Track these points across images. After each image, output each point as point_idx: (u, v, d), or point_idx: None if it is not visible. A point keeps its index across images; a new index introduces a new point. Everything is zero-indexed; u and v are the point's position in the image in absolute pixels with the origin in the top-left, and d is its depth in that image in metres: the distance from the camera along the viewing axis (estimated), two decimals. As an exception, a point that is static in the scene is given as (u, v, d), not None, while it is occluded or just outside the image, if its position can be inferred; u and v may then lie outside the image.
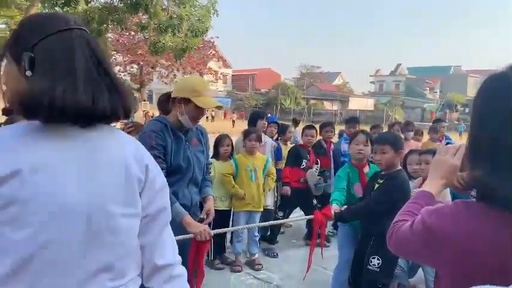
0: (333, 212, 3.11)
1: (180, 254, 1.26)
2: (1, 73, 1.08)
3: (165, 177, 2.44)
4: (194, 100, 2.45)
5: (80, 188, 1.00)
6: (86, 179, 1.01)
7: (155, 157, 2.40)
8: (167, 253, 1.19)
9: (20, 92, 0.97)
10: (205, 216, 2.73)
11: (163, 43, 11.04)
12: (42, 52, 1.01)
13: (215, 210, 4.38)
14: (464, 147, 1.17)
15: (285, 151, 5.55)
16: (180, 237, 2.41)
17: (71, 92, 0.98)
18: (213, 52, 38.95)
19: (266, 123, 5.19)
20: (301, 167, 5.16)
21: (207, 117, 33.95)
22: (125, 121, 3.71)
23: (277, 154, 5.35)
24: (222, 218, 4.45)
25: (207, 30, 10.86)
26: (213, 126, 24.13)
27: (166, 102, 2.69)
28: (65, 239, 0.97)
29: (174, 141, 2.52)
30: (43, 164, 0.96)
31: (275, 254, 4.98)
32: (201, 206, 2.85)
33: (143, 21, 12.23)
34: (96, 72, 1.05)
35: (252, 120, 5.12)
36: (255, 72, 58.20)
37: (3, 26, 11.87)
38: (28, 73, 0.98)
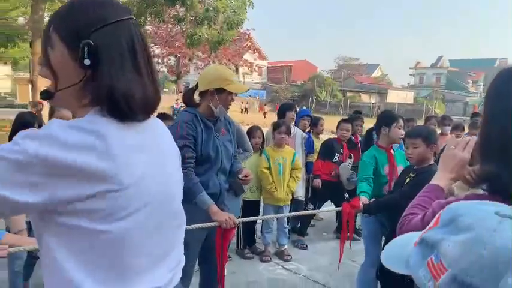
0: (361, 204, 3.09)
1: (206, 240, 1.31)
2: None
3: (195, 166, 2.53)
4: (228, 88, 2.55)
5: (157, 177, 1.02)
6: (159, 167, 1.04)
7: (186, 146, 2.51)
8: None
9: (101, 86, 0.94)
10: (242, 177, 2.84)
11: (200, 35, 11.19)
12: (107, 41, 0.96)
13: (245, 200, 4.52)
14: (474, 141, 1.15)
15: (317, 144, 5.54)
16: (206, 224, 2.48)
17: (142, 87, 0.99)
18: (249, 44, 38.98)
19: (295, 115, 5.18)
20: (333, 161, 5.13)
21: (241, 110, 34.01)
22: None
23: (308, 147, 5.34)
24: (251, 209, 4.53)
25: (242, 22, 10.90)
26: (246, 118, 24.24)
27: (192, 95, 2.76)
28: (149, 224, 1.00)
29: (204, 131, 2.60)
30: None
31: (304, 245, 5.00)
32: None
33: (180, 14, 12.41)
34: (149, 63, 1.04)
35: (281, 112, 5.12)
36: (291, 64, 57.78)
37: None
38: (86, 62, 0.94)
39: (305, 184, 5.27)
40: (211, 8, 10.80)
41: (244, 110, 35.53)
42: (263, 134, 4.74)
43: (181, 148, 2.52)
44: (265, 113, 33.55)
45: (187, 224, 2.57)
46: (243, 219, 3.00)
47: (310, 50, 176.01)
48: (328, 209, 5.03)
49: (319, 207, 5.26)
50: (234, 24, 10.62)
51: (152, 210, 0.99)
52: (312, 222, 5.63)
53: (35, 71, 10.00)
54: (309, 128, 5.71)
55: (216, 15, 10.27)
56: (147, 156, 1.00)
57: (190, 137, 2.54)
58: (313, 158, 5.40)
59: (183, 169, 2.47)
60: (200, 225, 2.47)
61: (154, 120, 1.11)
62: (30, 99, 11.21)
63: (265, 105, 38.36)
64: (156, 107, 1.04)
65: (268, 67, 57.51)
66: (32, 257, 3.35)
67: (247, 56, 40.92)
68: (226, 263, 2.81)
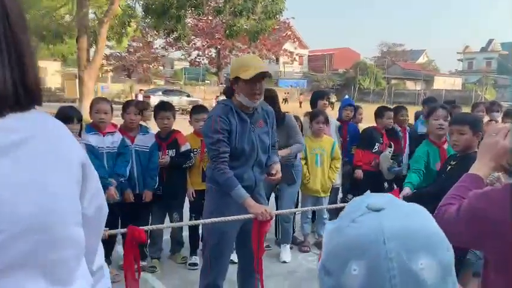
0: (401, 195, 3.00)
1: (242, 229, 1.22)
2: None
3: (230, 160, 2.50)
4: (241, 76, 2.48)
5: (28, 195, 0.76)
6: (34, 183, 0.76)
7: (220, 141, 2.52)
8: None
9: None
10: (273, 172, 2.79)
11: (238, 26, 11.20)
12: None
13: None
14: None
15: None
16: (242, 216, 2.49)
17: None
18: (289, 33, 38.64)
19: (327, 102, 5.06)
20: (373, 151, 5.00)
21: (283, 100, 33.68)
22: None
23: (353, 137, 5.22)
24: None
25: (280, 12, 10.80)
26: (284, 108, 24.11)
27: (231, 87, 2.70)
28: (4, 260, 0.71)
29: (239, 124, 2.57)
30: None
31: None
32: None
33: (219, 6, 12.47)
34: (12, 39, 0.74)
35: (313, 101, 5.04)
36: (333, 52, 56.84)
37: (92, 15, 12.76)
38: None
39: (341, 171, 5.15)
40: (249, -1, 10.77)
41: (284, 100, 35.10)
42: (301, 124, 4.69)
43: (215, 143, 2.55)
44: (300, 102, 33.20)
45: (224, 214, 2.57)
46: (279, 211, 2.97)
47: (353, 37, 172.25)
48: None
49: (359, 198, 5.14)
50: (272, 14, 10.55)
51: (9, 240, 0.70)
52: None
53: (81, 66, 10.40)
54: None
55: (254, 5, 10.23)
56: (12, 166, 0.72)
57: (224, 131, 2.51)
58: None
59: (217, 164, 2.52)
60: (236, 217, 2.48)
61: (36, 120, 0.80)
62: (78, 93, 11.67)
63: (301, 94, 37.65)
64: (20, 100, 0.75)
65: (309, 56, 56.87)
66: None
67: (288, 46, 40.62)
68: (264, 253, 2.82)
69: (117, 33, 12.73)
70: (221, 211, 2.58)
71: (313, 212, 4.89)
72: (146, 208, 3.94)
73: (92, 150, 3.43)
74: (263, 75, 2.50)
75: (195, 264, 3.93)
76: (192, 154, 4.00)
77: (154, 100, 23.49)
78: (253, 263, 2.67)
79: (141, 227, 2.34)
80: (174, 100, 23.31)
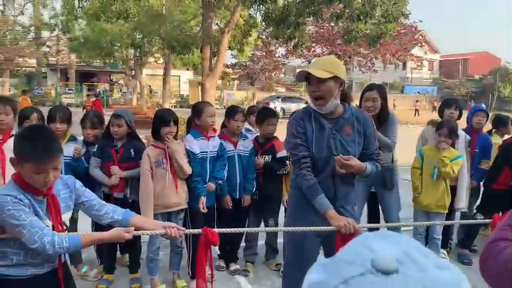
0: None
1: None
2: None
3: (312, 166, 2.40)
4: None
5: None
6: None
7: (298, 145, 2.41)
8: None
9: None
10: None
11: (357, 31, 10.87)
12: None
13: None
14: None
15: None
16: (323, 228, 2.35)
17: None
18: (417, 37, 36.38)
19: (454, 111, 4.54)
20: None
21: (415, 111, 31.28)
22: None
23: (483, 151, 4.63)
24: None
25: (402, 15, 10.18)
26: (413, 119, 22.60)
27: (344, 92, 2.54)
28: None
29: (316, 129, 2.43)
30: None
31: (469, 261, 4.40)
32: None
33: (338, 11, 12.27)
34: None
35: (440, 110, 4.59)
36: (468, 56, 51.92)
37: (216, 26, 13.55)
38: None
39: (468, 191, 4.54)
40: (368, 3, 10.39)
41: (416, 111, 31.35)
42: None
43: (294, 147, 2.44)
44: (416, 110, 30.71)
45: (304, 221, 2.43)
46: (368, 225, 2.73)
47: (492, 40, 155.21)
48: (478, 221, 4.24)
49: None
50: (393, 17, 9.99)
51: None
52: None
53: (204, 74, 11.09)
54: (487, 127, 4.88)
55: (372, 9, 9.82)
56: None
57: (301, 135, 2.42)
58: (488, 164, 4.64)
59: (299, 169, 2.40)
60: (318, 228, 2.35)
61: None
62: (200, 99, 12.44)
63: (416, 101, 34.48)
64: None
65: (440, 61, 52.84)
66: (177, 246, 3.67)
67: (416, 50, 38.21)
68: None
69: (238, 42, 13.32)
70: (301, 218, 2.47)
71: (427, 231, 4.40)
72: (244, 213, 3.99)
73: (192, 156, 3.54)
74: (308, 76, 2.35)
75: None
76: (287, 161, 3.95)
77: (273, 107, 24.21)
78: None
79: (216, 229, 2.35)
80: (292, 107, 23.62)
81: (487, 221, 3.13)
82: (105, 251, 3.69)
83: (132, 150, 3.55)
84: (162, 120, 3.43)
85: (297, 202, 2.54)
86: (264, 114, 4.05)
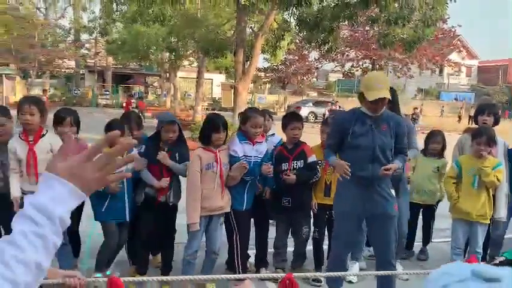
0: None
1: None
2: None
3: (350, 152, 3.13)
4: (365, 95, 3.03)
5: None
6: None
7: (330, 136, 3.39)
8: None
9: None
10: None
11: (393, 35, 10.67)
12: None
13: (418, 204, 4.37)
14: None
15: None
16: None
17: None
18: (455, 42, 35.41)
19: (487, 118, 4.35)
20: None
21: (458, 117, 30.26)
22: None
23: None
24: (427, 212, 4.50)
25: (440, 19, 9.91)
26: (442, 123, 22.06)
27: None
28: None
29: (357, 125, 3.10)
30: None
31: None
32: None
33: (374, 15, 12.09)
34: None
35: (474, 117, 4.42)
36: (508, 62, 50.02)
37: (249, 30, 13.59)
38: None
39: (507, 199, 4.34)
40: (406, 6, 10.18)
41: (458, 118, 30.51)
42: (444, 140, 4.48)
43: (328, 138, 3.45)
44: (459, 117, 29.75)
45: (343, 196, 3.24)
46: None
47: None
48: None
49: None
50: (432, 22, 9.73)
51: None
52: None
53: (236, 77, 11.15)
54: None
55: (410, 13, 9.60)
56: None
57: (339, 127, 3.24)
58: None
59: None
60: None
61: None
62: (232, 103, 12.49)
63: (460, 108, 33.30)
64: None
65: (478, 67, 51.15)
66: (213, 253, 3.65)
67: (454, 56, 37.21)
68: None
69: (272, 46, 13.32)
70: (341, 194, 3.23)
71: (467, 243, 4.23)
72: (264, 215, 4.04)
73: (234, 160, 3.52)
74: (382, 100, 3.00)
75: (319, 281, 3.78)
76: (318, 167, 3.88)
77: (304, 111, 24.03)
78: (389, 255, 3.16)
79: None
80: (323, 111, 23.45)
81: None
82: (138, 252, 3.72)
83: (177, 154, 3.57)
84: (212, 126, 3.44)
85: (343, 184, 3.20)
86: (287, 119, 4.01)
